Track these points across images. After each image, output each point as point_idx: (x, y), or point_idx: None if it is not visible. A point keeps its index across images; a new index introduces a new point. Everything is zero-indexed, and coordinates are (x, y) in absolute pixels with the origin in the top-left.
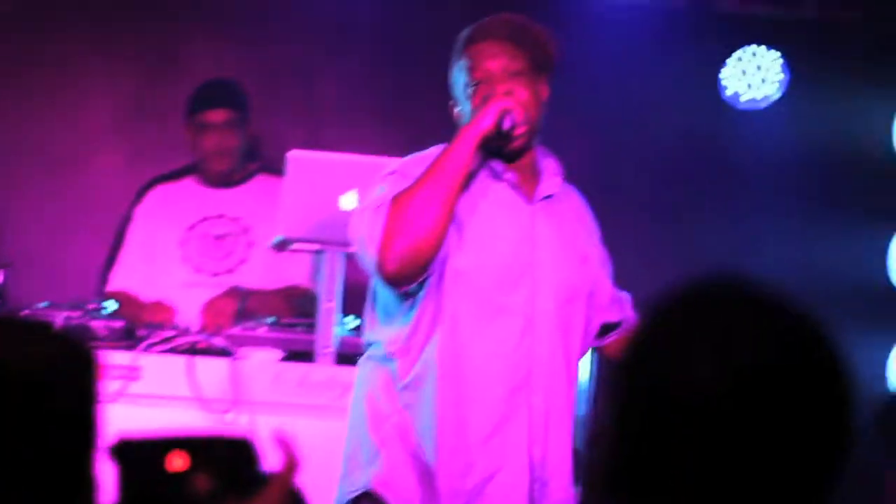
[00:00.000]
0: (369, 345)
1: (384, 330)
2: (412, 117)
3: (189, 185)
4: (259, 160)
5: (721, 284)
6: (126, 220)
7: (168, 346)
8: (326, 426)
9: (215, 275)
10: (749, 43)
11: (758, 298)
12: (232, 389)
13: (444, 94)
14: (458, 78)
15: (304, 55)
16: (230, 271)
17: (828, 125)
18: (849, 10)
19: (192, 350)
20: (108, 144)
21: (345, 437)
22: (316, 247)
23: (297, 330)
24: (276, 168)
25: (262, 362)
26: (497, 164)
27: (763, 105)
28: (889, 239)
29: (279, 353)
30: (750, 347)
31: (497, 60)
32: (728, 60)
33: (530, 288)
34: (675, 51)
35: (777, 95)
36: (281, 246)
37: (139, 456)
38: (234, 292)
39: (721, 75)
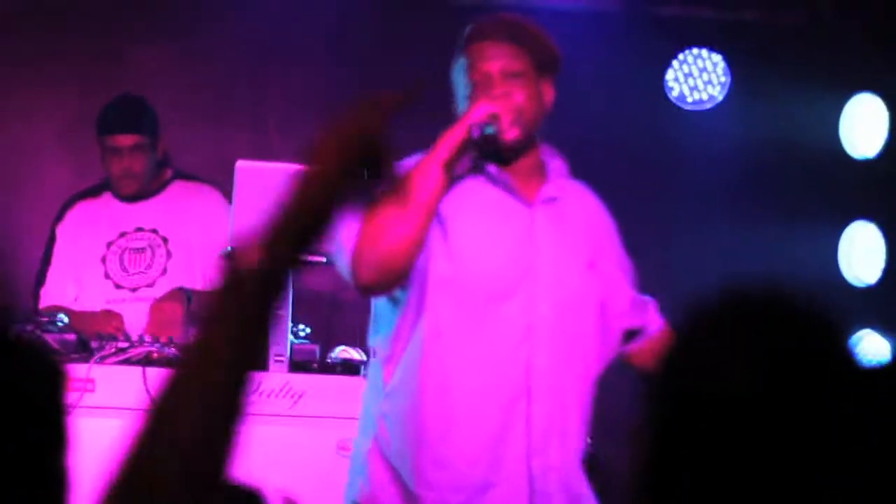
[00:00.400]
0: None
1: (377, 335)
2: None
3: (107, 200)
4: (172, 167)
5: (756, 294)
6: (51, 239)
7: (122, 357)
8: (281, 433)
9: (135, 289)
10: (692, 46)
11: (792, 308)
12: None
13: None
14: (458, 78)
15: (253, 65)
16: (150, 285)
17: (774, 125)
18: (791, 12)
19: (147, 361)
20: (53, 158)
21: (307, 444)
22: None
23: None
24: (189, 174)
25: None
26: (492, 168)
27: (709, 106)
28: (839, 235)
29: None
30: (785, 357)
31: (495, 62)
32: (672, 63)
33: (528, 295)
34: (620, 55)
35: (721, 97)
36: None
37: None
38: (179, 294)
39: (666, 77)
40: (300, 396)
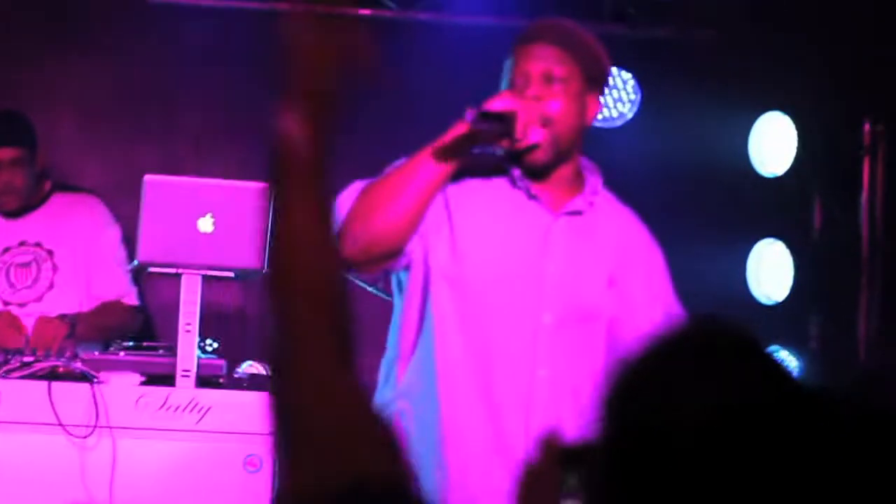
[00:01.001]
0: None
1: (392, 330)
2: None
3: None
4: (51, 179)
5: (709, 328)
6: None
7: (27, 371)
8: (187, 449)
9: (23, 304)
10: None
11: (741, 343)
12: (93, 414)
13: None
14: (504, 77)
15: (162, 80)
16: (38, 299)
17: (684, 143)
18: (702, 31)
19: (52, 375)
20: None
21: (214, 460)
22: (174, 270)
23: (156, 353)
24: (69, 185)
25: (122, 386)
26: (516, 171)
27: (619, 123)
28: (748, 252)
29: (139, 377)
30: (731, 390)
31: (538, 63)
32: None
33: (533, 303)
34: None
35: (631, 115)
36: (139, 271)
37: None
38: (64, 319)
39: None
40: (207, 411)
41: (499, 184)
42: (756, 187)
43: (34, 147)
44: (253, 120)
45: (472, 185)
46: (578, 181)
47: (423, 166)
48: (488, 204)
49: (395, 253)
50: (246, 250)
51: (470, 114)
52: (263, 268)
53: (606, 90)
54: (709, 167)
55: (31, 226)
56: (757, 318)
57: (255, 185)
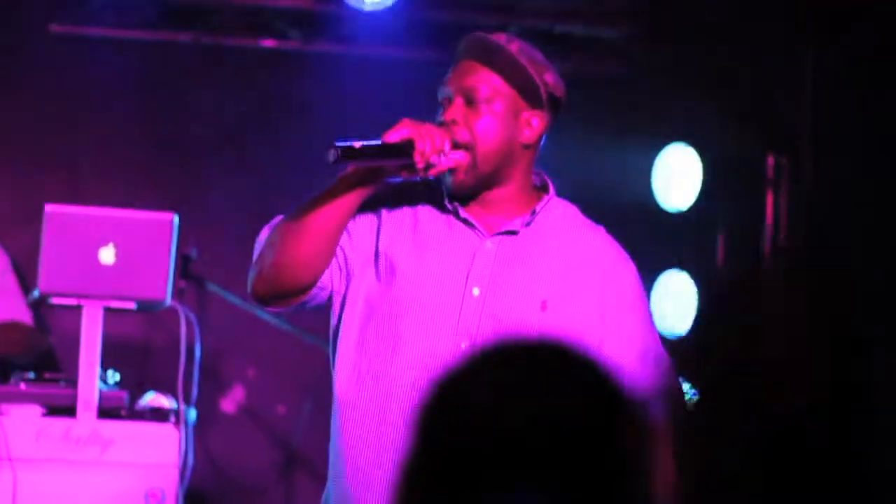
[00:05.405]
0: None
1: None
2: (174, 171)
3: None
4: None
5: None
6: None
7: None
8: (88, 481)
9: None
10: None
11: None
12: None
13: (206, 147)
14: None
15: (64, 110)
16: None
17: (588, 175)
18: (607, 63)
19: None
20: None
21: (116, 492)
22: (75, 301)
23: (58, 385)
24: None
25: (23, 418)
26: (446, 195)
27: None
28: (651, 285)
29: (40, 409)
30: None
31: (458, 83)
32: None
33: (452, 328)
34: (432, 101)
35: None
36: (40, 301)
37: None
38: None
39: None
40: (109, 444)
41: (431, 207)
42: (660, 220)
43: None
44: (156, 150)
45: (406, 211)
46: (526, 202)
47: (327, 202)
48: (418, 228)
49: (304, 287)
50: (148, 281)
51: (332, 153)
52: (165, 299)
53: (559, 104)
54: (614, 200)
55: None
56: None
57: (157, 216)
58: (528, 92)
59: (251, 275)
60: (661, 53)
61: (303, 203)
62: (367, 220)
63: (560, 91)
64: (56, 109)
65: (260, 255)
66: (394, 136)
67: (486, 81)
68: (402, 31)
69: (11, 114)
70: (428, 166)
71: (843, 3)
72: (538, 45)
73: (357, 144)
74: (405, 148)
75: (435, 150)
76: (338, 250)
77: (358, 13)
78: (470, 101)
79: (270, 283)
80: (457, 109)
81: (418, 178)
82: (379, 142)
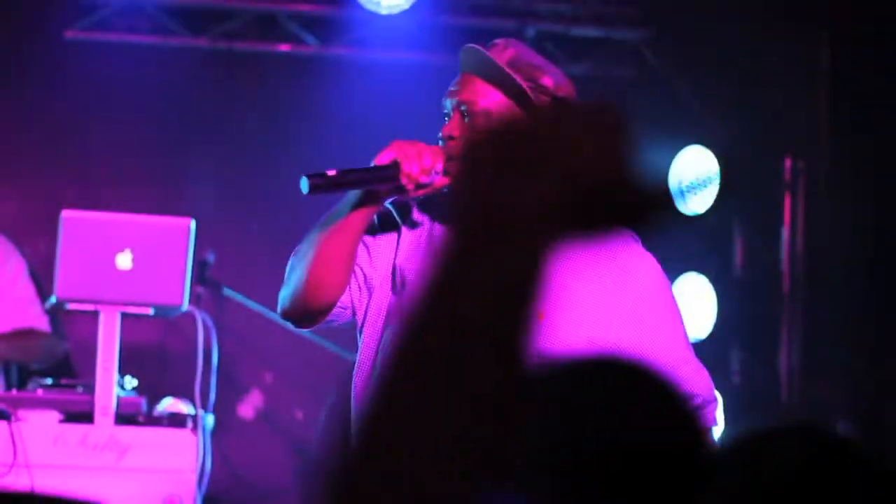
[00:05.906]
0: None
1: None
2: (187, 176)
3: None
4: None
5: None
6: None
7: None
8: (106, 487)
9: None
10: None
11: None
12: (11, 452)
13: (222, 152)
14: None
15: (80, 115)
16: None
17: None
18: (622, 67)
19: None
20: None
21: (134, 498)
22: (92, 307)
23: (75, 391)
24: None
25: (41, 424)
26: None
27: None
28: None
29: (58, 415)
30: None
31: (455, 97)
32: None
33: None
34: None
35: None
36: (57, 307)
37: None
38: None
39: None
40: (126, 450)
41: (446, 220)
42: (677, 223)
43: None
44: (172, 155)
45: (424, 225)
46: None
47: (332, 227)
48: (432, 241)
49: (324, 309)
50: (165, 286)
51: (305, 184)
52: (182, 304)
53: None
54: None
55: None
56: None
57: (173, 221)
58: (524, 99)
59: (280, 296)
60: (677, 56)
61: (314, 226)
62: (387, 236)
63: (564, 90)
64: (72, 115)
65: (286, 277)
66: (383, 158)
67: (482, 93)
68: (417, 35)
69: (28, 120)
70: (419, 186)
71: (862, 5)
72: (554, 49)
73: (331, 173)
74: (391, 170)
75: (423, 170)
76: (356, 269)
77: (373, 17)
78: (466, 115)
79: (293, 304)
80: (454, 125)
81: (410, 199)
82: (357, 168)
